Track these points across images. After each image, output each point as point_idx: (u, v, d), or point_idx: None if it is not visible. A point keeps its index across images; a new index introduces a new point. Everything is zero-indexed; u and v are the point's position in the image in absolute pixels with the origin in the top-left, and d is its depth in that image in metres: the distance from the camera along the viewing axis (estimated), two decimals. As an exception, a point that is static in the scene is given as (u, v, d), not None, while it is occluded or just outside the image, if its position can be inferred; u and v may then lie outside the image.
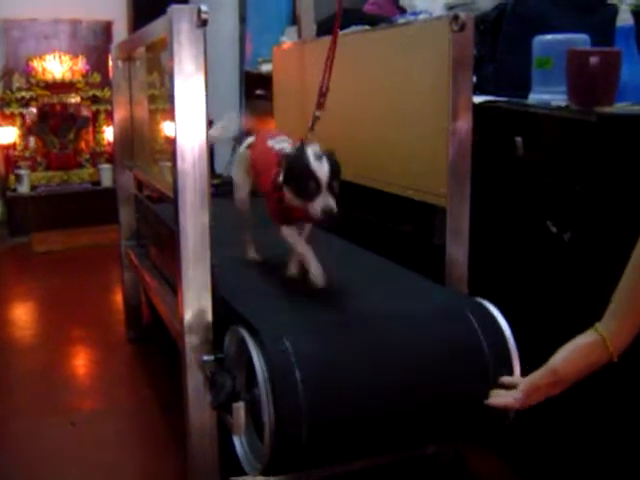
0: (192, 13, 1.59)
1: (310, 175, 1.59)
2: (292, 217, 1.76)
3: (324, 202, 1.59)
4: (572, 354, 1.30)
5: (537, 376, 1.36)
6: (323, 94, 1.88)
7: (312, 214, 1.61)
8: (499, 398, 1.44)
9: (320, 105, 1.87)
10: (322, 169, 1.60)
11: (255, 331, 1.51)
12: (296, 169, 1.63)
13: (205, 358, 1.68)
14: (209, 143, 1.74)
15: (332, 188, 1.61)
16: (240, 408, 1.53)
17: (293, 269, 1.89)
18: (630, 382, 1.72)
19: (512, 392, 1.42)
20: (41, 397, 2.65)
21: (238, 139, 2.21)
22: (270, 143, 1.80)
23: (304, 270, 1.79)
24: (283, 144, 1.83)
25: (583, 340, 1.30)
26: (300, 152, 1.64)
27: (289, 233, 1.80)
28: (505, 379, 1.50)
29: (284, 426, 1.41)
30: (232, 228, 2.32)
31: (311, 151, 1.63)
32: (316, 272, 1.74)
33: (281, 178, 1.68)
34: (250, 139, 2.05)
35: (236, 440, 1.62)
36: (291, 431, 1.41)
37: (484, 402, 1.45)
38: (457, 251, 1.89)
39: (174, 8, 1.60)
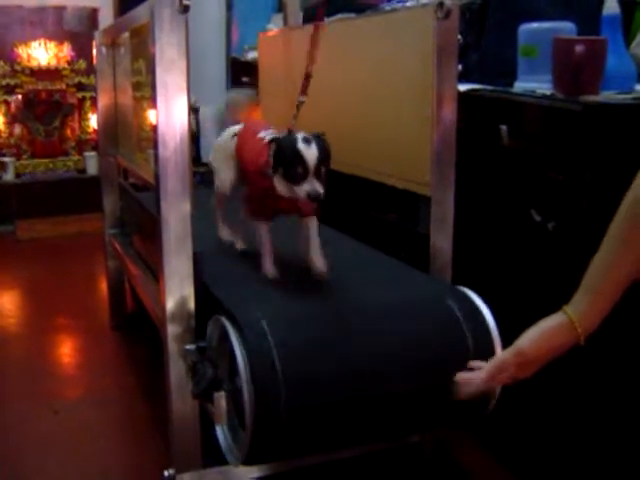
0: (174, -1, 1.57)
1: (298, 159, 1.58)
2: (274, 208, 1.75)
3: (311, 186, 1.58)
4: (539, 335, 1.30)
5: (502, 356, 1.36)
6: (306, 79, 1.87)
7: (299, 198, 1.60)
8: (464, 373, 1.44)
9: (303, 90, 1.86)
10: (310, 153, 1.59)
11: (236, 320, 1.50)
12: (284, 152, 1.62)
13: (187, 347, 1.67)
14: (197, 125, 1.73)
15: (319, 172, 1.60)
16: (221, 397, 1.52)
17: (269, 268, 1.85)
18: (609, 368, 1.72)
19: (477, 372, 1.42)
20: (24, 385, 2.64)
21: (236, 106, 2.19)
22: (261, 134, 1.78)
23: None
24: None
25: (550, 322, 1.29)
26: (289, 136, 1.64)
27: (262, 229, 1.81)
28: (473, 363, 1.49)
29: (264, 415, 1.40)
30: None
31: (300, 135, 1.62)
32: (266, 271, 1.79)
33: (269, 169, 1.67)
34: (235, 128, 2.03)
35: (218, 429, 1.61)
36: (271, 420, 1.41)
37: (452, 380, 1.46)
38: (441, 240, 1.89)
39: (156, -7, 1.59)
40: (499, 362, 1.36)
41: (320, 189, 1.59)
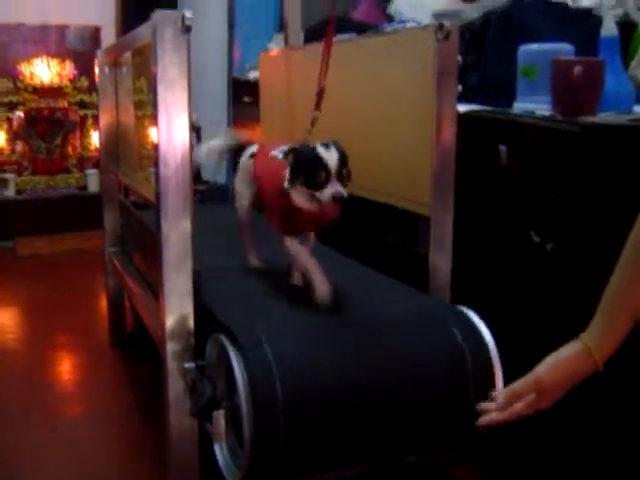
0: (176, 19, 1.59)
1: (319, 163, 1.59)
2: (297, 225, 1.75)
3: (334, 188, 1.59)
4: (556, 363, 1.30)
5: (519, 384, 1.35)
6: (319, 94, 1.88)
7: (322, 202, 1.61)
8: (485, 417, 1.42)
9: (317, 106, 1.87)
10: (331, 156, 1.60)
11: (236, 339, 1.50)
12: (305, 158, 1.63)
13: (186, 365, 1.67)
14: (195, 163, 1.73)
15: (341, 175, 1.61)
16: (220, 416, 1.52)
17: (298, 279, 1.87)
18: (608, 390, 1.72)
19: (493, 403, 1.41)
20: (23, 401, 2.63)
21: (233, 149, 2.20)
22: (274, 153, 1.79)
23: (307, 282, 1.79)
24: None
25: (567, 350, 1.29)
26: (307, 144, 1.65)
27: (293, 245, 1.79)
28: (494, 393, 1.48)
29: (263, 434, 1.41)
30: (217, 234, 2.32)
31: (318, 143, 1.63)
32: (321, 287, 1.72)
33: (286, 182, 1.67)
34: (252, 148, 2.03)
35: (216, 447, 1.61)
36: (270, 439, 1.41)
37: (474, 421, 1.44)
38: (440, 260, 1.89)
39: (159, 14, 1.60)
40: (516, 389, 1.35)
41: (344, 191, 1.59)
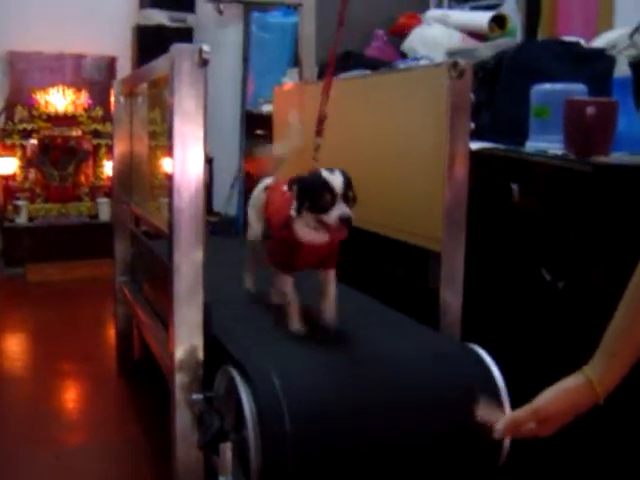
0: (194, 53, 1.61)
1: (324, 186, 1.60)
2: (294, 258, 1.75)
3: (341, 210, 1.59)
4: (556, 395, 1.29)
5: (519, 412, 1.35)
6: (321, 121, 1.89)
7: (329, 224, 1.61)
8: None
9: (319, 132, 1.88)
10: (336, 179, 1.61)
11: (245, 372, 1.50)
12: (310, 185, 1.64)
13: (194, 397, 1.67)
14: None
15: (347, 197, 1.62)
16: (227, 448, 1.51)
17: (296, 324, 1.83)
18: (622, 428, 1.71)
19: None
20: (27, 428, 2.62)
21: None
22: (284, 188, 1.79)
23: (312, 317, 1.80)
24: None
25: (569, 382, 1.29)
26: (312, 172, 1.67)
27: (285, 281, 1.80)
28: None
29: (271, 467, 1.40)
30: (227, 266, 2.32)
31: (322, 169, 1.65)
32: (294, 325, 1.78)
33: (293, 210, 1.68)
34: (266, 181, 2.04)
35: (222, 480, 1.60)
36: (277, 473, 1.40)
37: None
38: (451, 296, 1.89)
39: (176, 47, 1.62)
40: (516, 418, 1.34)
41: (349, 212, 1.60)
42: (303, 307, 1.82)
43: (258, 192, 2.05)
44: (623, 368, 1.25)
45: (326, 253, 1.73)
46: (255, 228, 2.05)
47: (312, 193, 1.63)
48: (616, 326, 1.25)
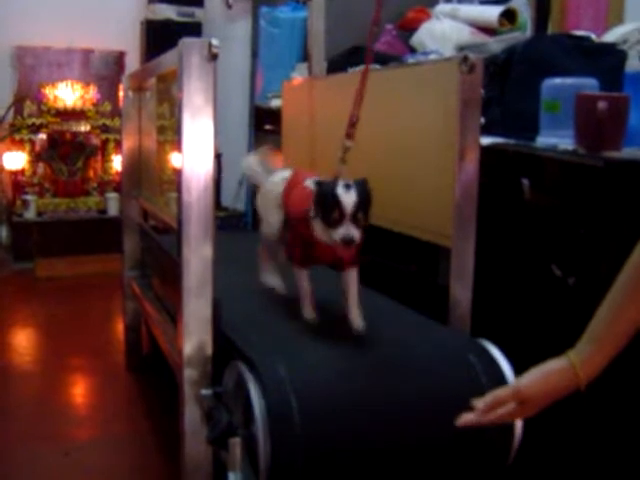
0: (203, 47, 1.60)
1: (335, 203, 1.59)
2: (313, 254, 1.75)
3: (346, 231, 1.58)
4: (538, 377, 1.28)
5: (501, 391, 1.33)
6: (353, 124, 1.87)
7: (335, 242, 1.60)
8: (465, 417, 1.39)
9: (349, 135, 1.86)
10: (348, 198, 1.59)
11: (254, 367, 1.50)
12: (323, 196, 1.62)
13: (203, 392, 1.66)
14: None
15: (356, 218, 1.60)
16: (236, 444, 1.51)
17: (309, 313, 1.84)
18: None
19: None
20: (36, 424, 2.62)
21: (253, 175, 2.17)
22: (307, 182, 1.77)
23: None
24: None
25: (552, 364, 1.28)
26: (331, 180, 1.64)
27: (301, 275, 1.80)
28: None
29: (279, 463, 1.39)
30: (237, 261, 2.31)
31: (342, 181, 1.62)
32: (306, 315, 1.79)
33: (312, 211, 1.67)
34: (283, 173, 1.99)
35: (231, 476, 1.59)
36: (287, 469, 1.40)
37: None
38: (461, 292, 1.88)
39: (185, 41, 1.62)
40: (496, 396, 1.33)
41: (355, 234, 1.58)
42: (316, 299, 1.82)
43: (274, 185, 1.98)
44: (607, 355, 1.23)
45: (345, 252, 1.71)
46: (270, 221, 1.99)
47: (323, 206, 1.62)
48: (603, 312, 1.25)
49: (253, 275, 2.11)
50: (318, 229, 1.66)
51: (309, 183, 1.70)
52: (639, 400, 1.72)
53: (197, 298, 1.65)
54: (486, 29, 3.35)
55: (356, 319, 1.72)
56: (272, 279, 2.05)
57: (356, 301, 1.74)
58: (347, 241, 1.58)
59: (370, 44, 1.97)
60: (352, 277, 1.75)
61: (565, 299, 1.81)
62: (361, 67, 2.78)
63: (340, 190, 1.59)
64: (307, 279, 1.81)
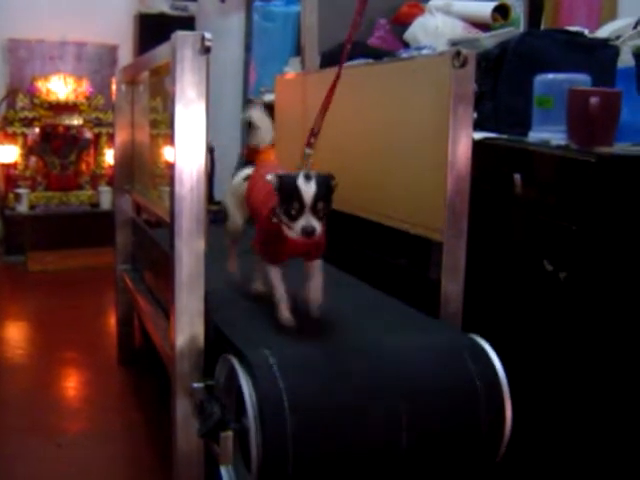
0: (196, 40, 1.60)
1: (295, 194, 1.58)
2: (281, 250, 1.74)
3: (306, 221, 1.58)
4: None
5: None
6: (314, 134, 1.86)
7: (294, 233, 1.60)
8: None
9: (310, 144, 1.85)
10: (308, 189, 1.58)
11: (246, 360, 1.50)
12: (284, 188, 1.62)
13: (195, 385, 1.66)
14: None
15: (316, 209, 1.60)
16: (228, 437, 1.51)
17: (286, 317, 1.78)
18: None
19: None
20: (28, 417, 2.62)
21: (238, 168, 2.21)
22: (269, 177, 1.77)
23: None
24: None
25: None
26: (292, 173, 1.64)
27: (272, 273, 1.78)
28: None
29: (271, 457, 1.40)
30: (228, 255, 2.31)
31: (303, 172, 1.62)
32: (282, 317, 1.75)
33: (277, 207, 1.67)
34: (247, 170, 2.04)
35: (223, 469, 1.60)
36: (278, 463, 1.40)
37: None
38: (452, 286, 1.89)
39: (178, 34, 1.61)
40: None
41: (316, 225, 1.58)
42: (294, 296, 1.80)
43: (238, 181, 2.05)
44: None
45: (314, 245, 1.71)
46: (235, 217, 2.07)
47: (284, 198, 1.62)
48: None
49: (245, 268, 2.12)
50: (283, 222, 1.65)
51: (270, 177, 1.70)
52: (630, 397, 1.73)
53: (189, 291, 1.65)
54: (479, 24, 3.36)
55: (313, 297, 1.75)
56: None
57: (319, 289, 1.76)
58: (308, 232, 1.58)
59: (350, 37, 1.96)
60: (316, 267, 1.77)
61: (556, 294, 1.81)
62: (355, 61, 2.79)
63: (300, 181, 1.59)
64: (280, 277, 1.78)
